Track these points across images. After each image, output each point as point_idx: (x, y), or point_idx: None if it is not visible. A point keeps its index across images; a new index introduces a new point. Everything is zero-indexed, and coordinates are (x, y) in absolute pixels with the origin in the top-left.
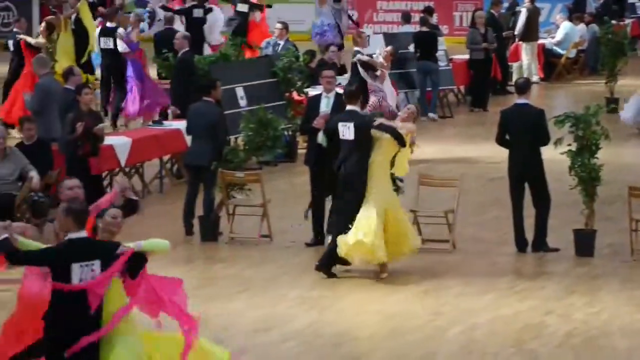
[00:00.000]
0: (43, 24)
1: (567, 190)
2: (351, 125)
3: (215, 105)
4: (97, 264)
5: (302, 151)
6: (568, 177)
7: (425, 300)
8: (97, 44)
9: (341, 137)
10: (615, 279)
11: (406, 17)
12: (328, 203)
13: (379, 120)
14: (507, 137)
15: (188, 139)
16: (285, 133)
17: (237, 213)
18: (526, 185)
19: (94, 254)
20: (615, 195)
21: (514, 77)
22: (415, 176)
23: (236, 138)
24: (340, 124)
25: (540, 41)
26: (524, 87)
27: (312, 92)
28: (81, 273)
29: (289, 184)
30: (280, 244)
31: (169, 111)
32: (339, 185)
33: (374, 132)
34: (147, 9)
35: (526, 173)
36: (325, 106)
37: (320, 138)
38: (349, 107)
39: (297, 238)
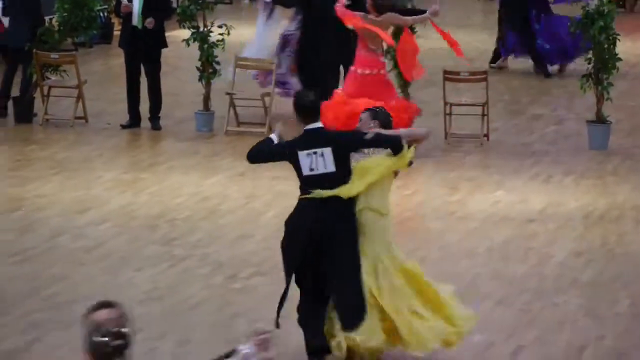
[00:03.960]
0: None
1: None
2: (327, 151)
3: None
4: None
5: (117, 33)
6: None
7: (242, 183)
8: None
9: (306, 172)
10: (429, 162)
11: None
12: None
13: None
14: None
15: (5, 21)
16: (101, 14)
17: (52, 95)
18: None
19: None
20: (430, 80)
21: None
22: (232, 58)
23: (51, 19)
24: (302, 154)
25: None
26: None
27: None
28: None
29: (104, 66)
30: (95, 125)
31: None
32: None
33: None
34: None
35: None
36: None
37: (136, 20)
38: (311, 126)
39: (113, 120)
